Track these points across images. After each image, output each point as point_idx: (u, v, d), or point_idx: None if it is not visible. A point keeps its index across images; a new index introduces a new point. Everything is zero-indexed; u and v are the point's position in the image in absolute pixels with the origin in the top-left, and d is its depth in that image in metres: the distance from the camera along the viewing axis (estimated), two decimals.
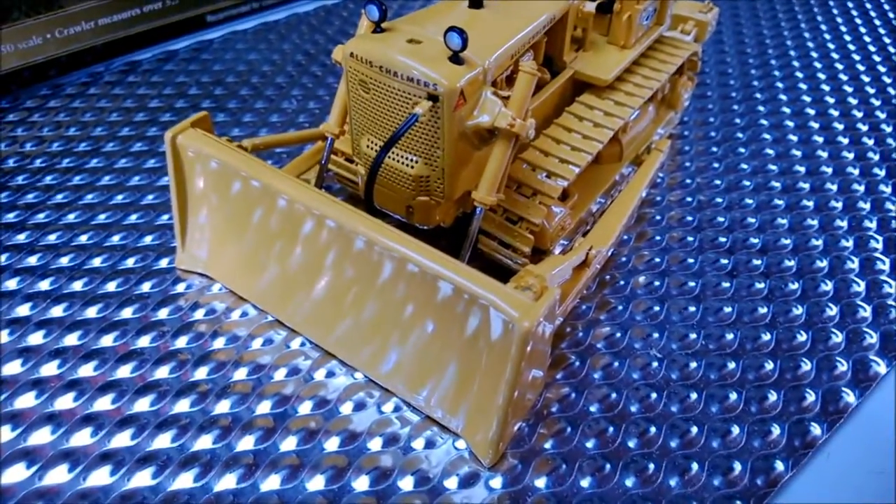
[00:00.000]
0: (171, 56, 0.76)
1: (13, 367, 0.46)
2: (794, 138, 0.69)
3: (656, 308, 0.51)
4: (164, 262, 0.54)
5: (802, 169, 0.65)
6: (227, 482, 0.41)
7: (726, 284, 0.53)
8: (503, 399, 0.39)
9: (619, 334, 0.50)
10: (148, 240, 0.55)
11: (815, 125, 0.70)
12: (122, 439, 0.43)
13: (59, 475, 0.41)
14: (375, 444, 0.43)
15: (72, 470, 0.41)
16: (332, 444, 0.43)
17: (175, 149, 0.48)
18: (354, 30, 0.79)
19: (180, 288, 0.52)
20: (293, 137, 0.54)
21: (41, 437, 0.42)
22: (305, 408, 0.45)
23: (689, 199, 0.61)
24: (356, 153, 0.48)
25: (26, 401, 0.44)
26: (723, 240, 0.57)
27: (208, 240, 0.51)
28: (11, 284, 0.52)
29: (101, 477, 0.41)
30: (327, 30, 0.81)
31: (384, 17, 0.43)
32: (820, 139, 0.68)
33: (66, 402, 0.44)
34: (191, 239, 0.52)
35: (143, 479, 0.41)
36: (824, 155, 0.67)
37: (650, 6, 0.56)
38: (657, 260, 0.55)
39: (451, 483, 0.41)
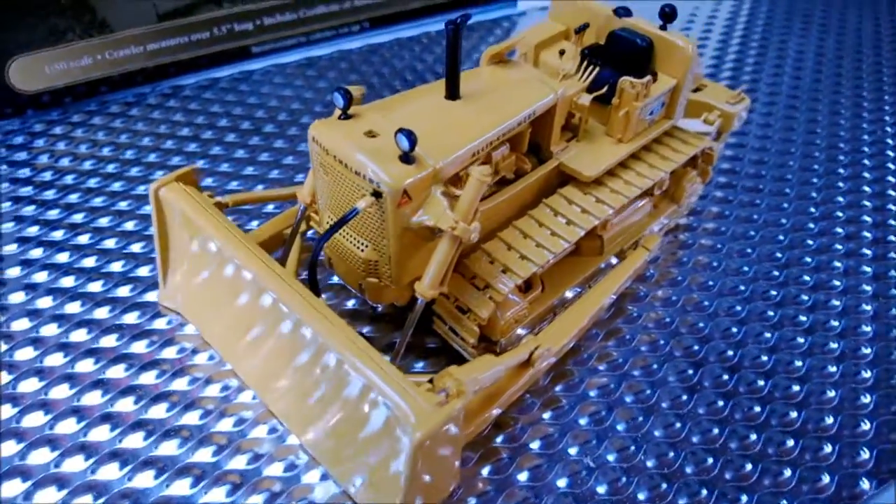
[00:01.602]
0: (213, 84, 0.80)
1: None
2: (809, 250, 0.66)
3: (603, 413, 0.51)
4: (150, 296, 0.58)
5: (808, 278, 0.63)
6: None
7: (684, 398, 0.53)
8: (400, 499, 0.41)
9: (556, 436, 0.50)
10: (143, 271, 0.60)
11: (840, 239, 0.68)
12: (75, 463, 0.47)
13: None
14: None
15: None
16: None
17: (157, 200, 0.52)
18: (390, 71, 0.82)
19: (158, 323, 0.56)
20: (275, 195, 0.58)
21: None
22: (237, 462, 0.48)
23: (674, 297, 0.60)
24: (320, 225, 0.50)
25: None
26: (696, 348, 0.56)
27: (184, 283, 0.55)
28: (17, 298, 0.57)
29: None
30: (366, 69, 0.84)
31: (349, 105, 0.45)
32: (839, 266, 0.66)
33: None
34: (171, 279, 0.56)
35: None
36: (834, 282, 0.64)
37: (655, 102, 0.55)
38: (620, 361, 0.55)
39: None
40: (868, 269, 0.64)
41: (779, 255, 0.64)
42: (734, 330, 0.58)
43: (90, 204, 0.66)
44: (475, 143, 0.46)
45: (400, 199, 0.43)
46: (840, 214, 0.69)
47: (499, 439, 0.50)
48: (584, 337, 0.56)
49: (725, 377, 0.54)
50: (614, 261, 0.60)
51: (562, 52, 0.57)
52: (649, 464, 0.49)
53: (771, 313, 0.59)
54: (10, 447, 0.48)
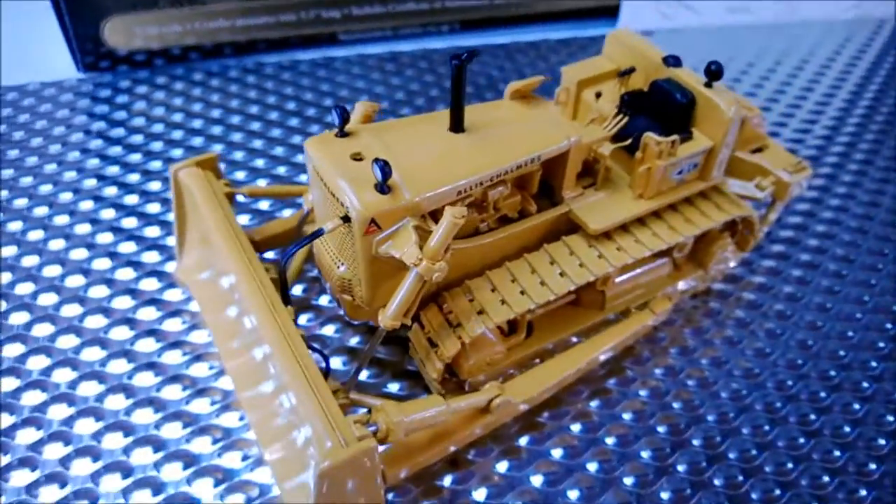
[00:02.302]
0: (294, 65, 0.83)
1: None
2: (847, 344, 0.61)
3: (560, 475, 0.50)
4: (170, 265, 0.61)
5: (833, 376, 0.57)
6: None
7: (650, 477, 0.50)
8: None
9: (503, 486, 0.49)
10: (172, 240, 0.63)
11: None
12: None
13: None
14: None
15: None
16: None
17: (177, 181, 0.54)
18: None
19: (169, 294, 0.59)
20: (293, 191, 0.59)
21: None
22: (199, 445, 0.50)
23: (679, 367, 0.57)
24: None
25: None
26: (682, 426, 0.53)
27: (194, 263, 0.58)
28: (57, 245, 0.63)
29: None
30: (443, 70, 0.84)
31: (344, 123, 0.46)
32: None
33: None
34: (185, 256, 0.59)
35: None
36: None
37: (684, 162, 0.52)
38: (597, 423, 0.53)
39: None
40: None
41: (811, 342, 0.59)
42: (731, 415, 0.54)
43: (146, 166, 0.70)
44: (463, 182, 0.45)
45: (367, 227, 0.43)
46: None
47: (447, 480, 0.49)
48: (571, 391, 0.55)
49: (703, 464, 0.51)
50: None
51: (598, 95, 0.55)
52: None
53: (779, 404, 0.55)
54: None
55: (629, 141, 0.52)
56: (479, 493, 0.49)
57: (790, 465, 0.52)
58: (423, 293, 0.47)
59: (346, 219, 0.44)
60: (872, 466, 0.52)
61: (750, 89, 0.85)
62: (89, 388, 0.53)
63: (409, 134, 0.47)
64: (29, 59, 0.81)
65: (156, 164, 0.71)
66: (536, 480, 0.50)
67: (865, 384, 0.57)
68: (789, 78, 0.87)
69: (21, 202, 0.66)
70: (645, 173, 0.51)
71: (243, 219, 0.66)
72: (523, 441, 0.52)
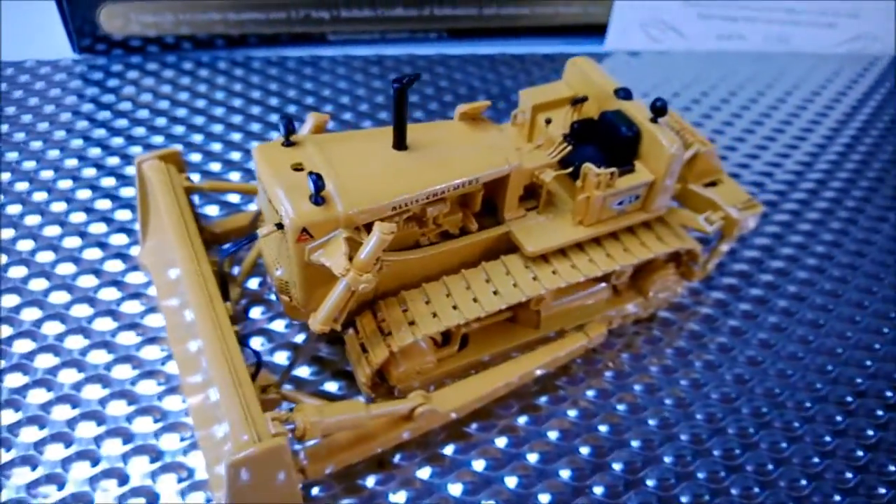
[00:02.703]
0: (282, 62, 0.85)
1: None
2: (773, 398, 0.62)
3: (476, 485, 0.52)
4: (136, 250, 0.64)
5: (751, 431, 0.59)
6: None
7: None
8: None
9: (422, 490, 0.51)
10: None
11: None
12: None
13: None
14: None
15: None
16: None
17: (140, 172, 0.57)
18: (448, 84, 0.83)
19: (132, 276, 0.62)
20: (252, 188, 0.61)
21: None
22: (140, 424, 0.53)
23: (611, 390, 0.58)
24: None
25: None
26: (603, 449, 0.55)
27: (154, 250, 0.60)
28: (33, 220, 0.65)
29: None
30: (426, 77, 0.85)
31: (288, 134, 0.48)
32: None
33: None
34: (148, 241, 0.61)
35: None
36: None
37: (624, 194, 0.54)
38: (522, 438, 0.55)
39: None
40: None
41: (747, 377, 0.61)
42: (655, 442, 0.56)
43: (126, 150, 0.73)
44: (398, 199, 0.47)
45: (299, 235, 0.45)
46: (857, 381, 0.63)
47: (370, 480, 0.51)
48: (502, 404, 0.56)
49: (620, 488, 0.53)
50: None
51: (548, 121, 0.56)
52: None
53: (705, 436, 0.56)
54: None
55: (570, 169, 0.53)
56: (399, 496, 0.51)
57: (707, 497, 0.53)
58: (356, 301, 0.49)
59: (279, 226, 0.46)
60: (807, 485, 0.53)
61: (728, 118, 0.86)
62: (45, 361, 0.56)
63: (352, 148, 0.49)
64: (29, 38, 0.84)
65: (136, 149, 0.73)
66: (455, 489, 0.52)
67: (797, 423, 0.58)
68: (769, 109, 0.88)
69: (4, 176, 0.69)
70: (584, 202, 0.53)
71: (213, 210, 0.68)
72: (448, 450, 0.54)
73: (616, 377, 0.59)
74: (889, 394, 0.61)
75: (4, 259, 0.62)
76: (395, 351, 0.50)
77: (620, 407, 0.58)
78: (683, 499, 0.53)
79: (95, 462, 0.51)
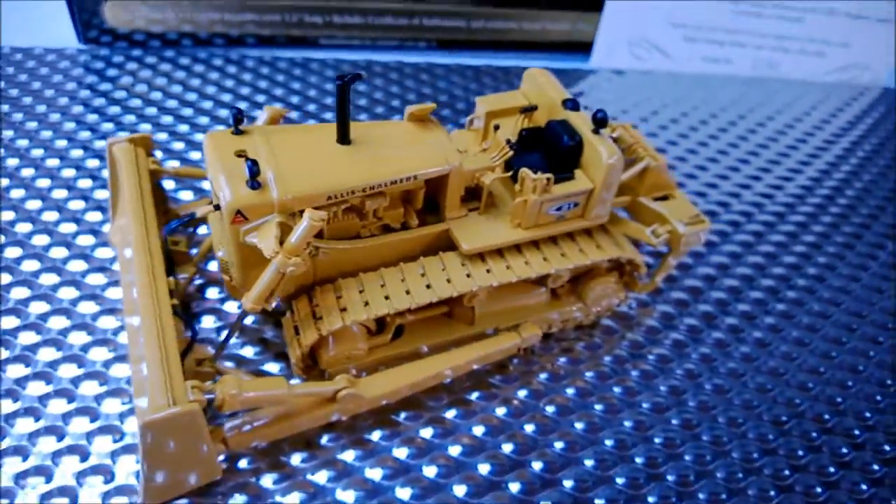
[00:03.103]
0: (274, 62, 0.89)
1: None
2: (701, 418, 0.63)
3: (386, 477, 0.54)
4: (107, 227, 0.67)
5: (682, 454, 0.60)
6: None
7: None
8: (141, 477, 0.47)
9: (336, 476, 0.53)
10: None
11: None
12: None
13: None
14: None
15: None
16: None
17: (111, 153, 0.60)
18: (431, 91, 0.86)
19: (100, 252, 0.65)
20: None
21: None
22: (86, 387, 0.56)
23: (543, 391, 0.60)
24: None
25: None
26: (519, 451, 0.56)
27: (121, 226, 0.63)
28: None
29: None
30: (410, 83, 0.88)
31: (237, 124, 0.51)
32: None
33: None
34: (117, 219, 0.64)
35: None
36: None
37: (562, 200, 0.56)
38: (450, 430, 0.56)
39: None
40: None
41: (682, 389, 0.62)
42: (578, 445, 0.57)
43: (114, 135, 0.76)
44: (333, 189, 0.50)
45: (234, 217, 0.48)
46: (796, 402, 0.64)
47: (295, 458, 0.54)
48: (434, 396, 0.58)
49: (537, 485, 0.54)
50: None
51: (496, 127, 0.58)
52: None
53: (630, 442, 0.58)
54: None
55: (510, 173, 0.55)
56: (320, 476, 0.53)
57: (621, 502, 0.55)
58: (295, 285, 0.52)
59: (216, 207, 0.49)
60: None
61: (704, 139, 0.87)
62: (8, 322, 0.59)
63: (296, 139, 0.52)
64: (39, 27, 0.89)
65: (122, 134, 0.77)
66: (375, 474, 0.54)
67: (725, 438, 0.59)
68: (748, 133, 0.89)
69: None
70: (521, 205, 0.55)
71: (187, 195, 0.71)
72: (375, 435, 0.56)
73: (550, 379, 0.61)
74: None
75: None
76: (324, 334, 0.52)
77: (550, 409, 0.59)
78: (598, 502, 0.54)
79: (37, 417, 0.54)
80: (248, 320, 0.62)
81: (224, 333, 0.60)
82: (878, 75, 0.99)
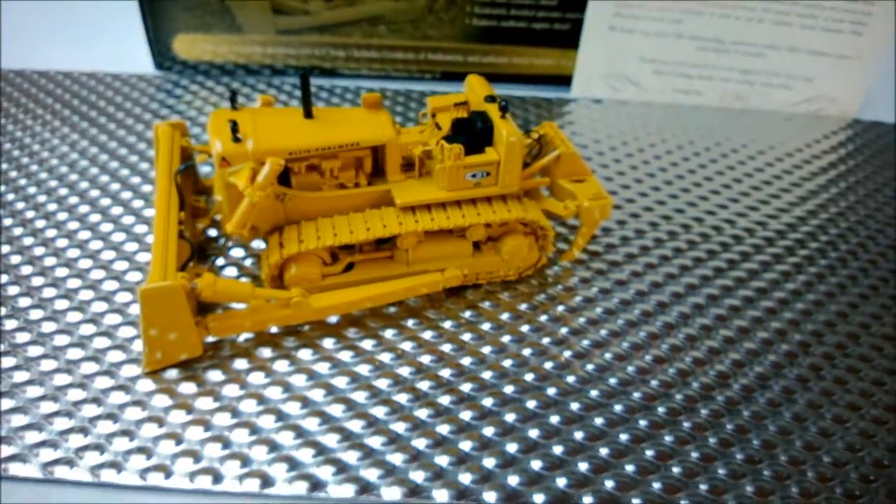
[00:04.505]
0: None
1: None
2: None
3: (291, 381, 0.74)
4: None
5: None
6: None
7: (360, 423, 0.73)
8: (143, 346, 0.69)
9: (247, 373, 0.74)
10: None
11: None
12: None
13: None
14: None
15: None
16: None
17: (156, 131, 0.86)
18: None
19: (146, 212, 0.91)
20: None
21: None
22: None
23: (453, 330, 0.79)
24: None
25: None
26: (417, 384, 0.75)
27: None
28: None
29: None
30: (414, 105, 1.11)
31: (233, 101, 0.75)
32: None
33: None
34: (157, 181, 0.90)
35: None
36: None
37: (476, 168, 0.76)
38: (368, 350, 0.77)
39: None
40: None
41: (571, 355, 0.79)
42: (466, 391, 0.75)
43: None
44: (292, 147, 0.72)
45: (221, 162, 0.71)
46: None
47: (266, 352, 0.75)
48: (376, 316, 0.79)
49: (445, 406, 0.73)
50: None
51: (433, 115, 0.80)
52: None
53: (511, 391, 0.76)
54: None
55: (435, 146, 0.77)
56: (279, 364, 0.74)
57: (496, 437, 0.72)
58: (266, 224, 0.74)
59: (209, 155, 0.73)
60: None
61: (664, 164, 1.05)
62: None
63: (274, 115, 0.76)
64: (124, 56, 1.19)
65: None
66: (322, 367, 0.74)
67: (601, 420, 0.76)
68: (709, 161, 1.06)
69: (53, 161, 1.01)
70: (442, 170, 0.76)
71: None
72: (327, 343, 0.76)
73: (474, 316, 0.80)
74: None
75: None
76: (284, 256, 0.74)
77: (454, 351, 0.76)
78: (464, 416, 0.72)
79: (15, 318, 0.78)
80: (248, 262, 0.85)
81: (227, 270, 0.84)
82: (846, 107, 1.15)
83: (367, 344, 0.76)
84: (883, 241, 0.95)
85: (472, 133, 0.77)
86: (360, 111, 0.78)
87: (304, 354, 0.75)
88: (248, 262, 0.84)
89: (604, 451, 0.68)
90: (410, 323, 0.79)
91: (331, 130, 0.75)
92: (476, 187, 0.78)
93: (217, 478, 0.64)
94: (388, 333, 0.78)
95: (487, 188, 0.78)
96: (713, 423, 0.71)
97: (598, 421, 0.71)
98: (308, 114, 0.75)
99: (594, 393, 0.73)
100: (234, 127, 0.71)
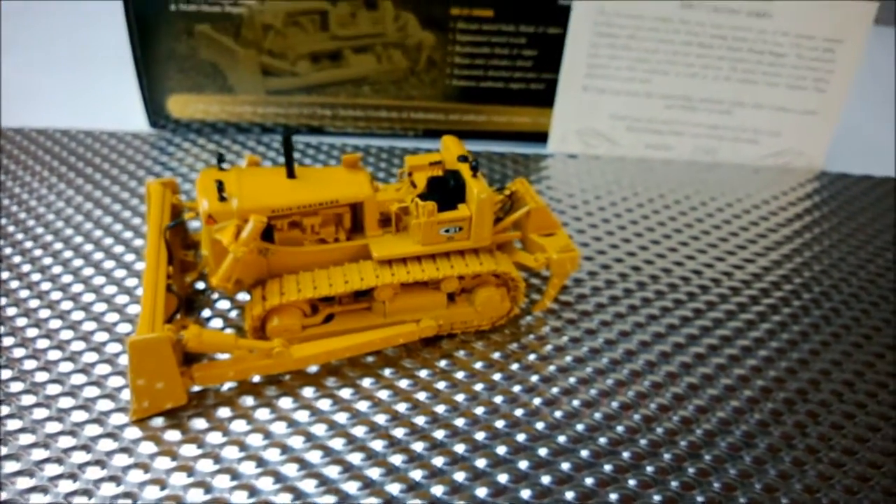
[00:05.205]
0: (295, 144, 1.20)
1: None
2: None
3: (267, 440, 0.78)
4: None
5: None
6: None
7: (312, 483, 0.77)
8: (130, 385, 0.74)
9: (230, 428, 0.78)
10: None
11: None
12: None
13: None
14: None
15: None
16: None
17: (148, 189, 0.91)
18: None
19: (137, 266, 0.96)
20: None
21: None
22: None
23: (428, 379, 0.84)
24: None
25: None
26: (390, 435, 0.80)
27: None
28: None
29: None
30: (397, 161, 1.17)
31: (220, 162, 0.81)
32: None
33: None
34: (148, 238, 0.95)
35: None
36: None
37: (448, 224, 0.81)
38: (349, 400, 0.81)
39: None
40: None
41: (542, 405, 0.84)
42: (441, 438, 0.80)
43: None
44: (275, 205, 0.78)
45: (207, 219, 0.77)
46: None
47: (248, 401, 0.79)
48: (354, 365, 0.83)
49: (400, 465, 0.77)
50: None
51: (409, 174, 0.86)
52: None
53: (483, 439, 0.80)
54: None
55: (411, 203, 0.82)
56: (261, 413, 0.78)
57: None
58: (250, 277, 0.79)
59: (197, 214, 0.78)
60: None
61: (636, 217, 1.10)
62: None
63: (259, 175, 0.81)
64: (117, 114, 1.25)
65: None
66: (301, 416, 0.78)
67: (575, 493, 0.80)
68: (678, 213, 1.11)
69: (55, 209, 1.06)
70: (416, 226, 0.81)
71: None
72: (307, 392, 0.81)
73: (449, 364, 0.84)
74: None
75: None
76: (266, 308, 0.79)
77: (422, 395, 0.81)
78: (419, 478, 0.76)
79: None
80: (233, 314, 0.89)
81: (212, 322, 0.88)
82: (812, 160, 1.21)
83: (346, 392, 0.81)
84: (846, 290, 1.00)
85: (445, 191, 0.83)
86: (340, 170, 0.84)
87: (285, 403, 0.79)
88: (232, 314, 0.89)
89: (570, 495, 0.72)
90: (387, 372, 0.83)
91: (312, 189, 0.80)
92: (449, 241, 0.83)
93: None
94: (366, 382, 0.82)
95: (460, 242, 0.83)
96: (675, 467, 0.75)
97: (565, 466, 0.75)
98: (291, 174, 0.81)
99: (562, 438, 0.77)
100: (220, 186, 0.76)
